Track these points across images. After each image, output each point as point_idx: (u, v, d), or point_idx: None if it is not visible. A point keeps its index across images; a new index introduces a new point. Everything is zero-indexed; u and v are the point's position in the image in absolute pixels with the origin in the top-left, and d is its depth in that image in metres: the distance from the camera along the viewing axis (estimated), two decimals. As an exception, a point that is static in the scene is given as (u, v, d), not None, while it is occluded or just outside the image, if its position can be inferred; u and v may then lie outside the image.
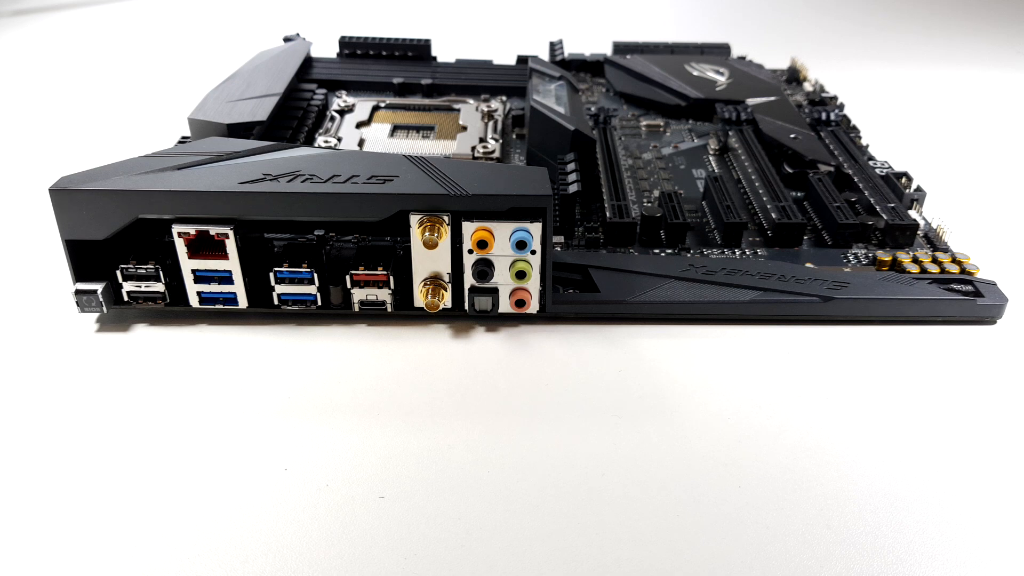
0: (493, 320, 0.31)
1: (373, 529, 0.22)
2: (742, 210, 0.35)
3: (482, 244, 0.28)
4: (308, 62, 0.49)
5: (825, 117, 0.45)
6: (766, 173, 0.39)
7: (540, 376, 0.28)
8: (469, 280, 0.29)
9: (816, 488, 0.24)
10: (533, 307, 0.30)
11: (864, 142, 0.44)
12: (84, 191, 0.27)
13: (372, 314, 0.31)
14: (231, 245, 0.28)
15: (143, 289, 0.29)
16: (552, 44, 0.55)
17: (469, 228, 0.28)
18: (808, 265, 0.33)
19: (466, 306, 0.30)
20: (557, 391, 0.28)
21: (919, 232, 0.36)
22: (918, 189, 0.38)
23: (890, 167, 0.40)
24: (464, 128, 0.42)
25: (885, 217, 0.35)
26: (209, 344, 0.29)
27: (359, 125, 0.42)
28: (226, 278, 0.29)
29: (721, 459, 0.25)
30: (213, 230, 0.28)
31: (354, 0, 0.78)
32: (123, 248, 0.29)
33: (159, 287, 0.29)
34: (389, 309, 0.30)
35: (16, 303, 0.32)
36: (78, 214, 0.28)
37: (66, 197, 0.28)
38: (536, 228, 0.28)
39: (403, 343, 0.30)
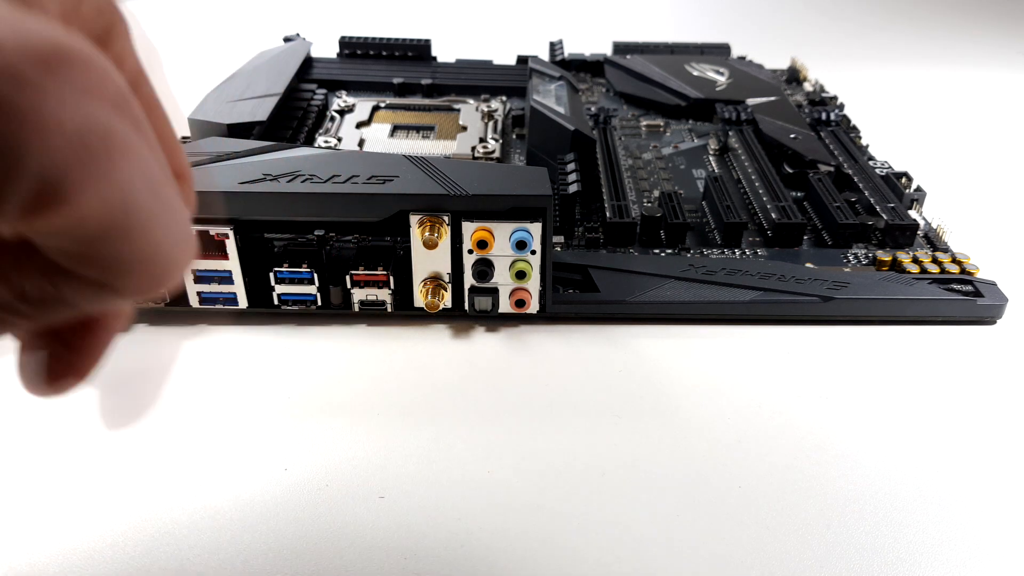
0: (493, 320, 0.31)
1: (373, 529, 0.22)
2: (742, 210, 0.35)
3: (482, 244, 0.28)
4: (308, 62, 0.49)
5: (825, 117, 0.45)
6: (766, 173, 0.39)
7: (540, 376, 0.28)
8: (469, 280, 0.29)
9: (816, 488, 0.24)
10: (533, 307, 0.30)
11: (864, 142, 0.44)
12: (84, 191, 0.27)
13: (372, 314, 0.31)
14: (231, 245, 0.28)
15: (143, 289, 0.29)
16: (552, 44, 0.55)
17: (469, 228, 0.28)
18: (808, 265, 0.33)
19: (466, 306, 0.30)
20: (557, 391, 0.28)
21: (919, 232, 0.36)
22: (918, 189, 0.38)
23: (890, 167, 0.40)
24: (464, 128, 0.42)
25: (885, 217, 0.35)
26: (209, 344, 0.29)
27: (359, 125, 0.42)
28: (226, 278, 0.29)
29: (721, 459, 0.25)
30: (213, 230, 0.28)
31: (354, 0, 0.78)
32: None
33: (159, 287, 0.29)
34: (389, 309, 0.30)
35: (16, 303, 0.31)
36: (78, 214, 0.28)
37: (66, 197, 0.27)
38: (536, 228, 0.28)
39: (403, 343, 0.30)
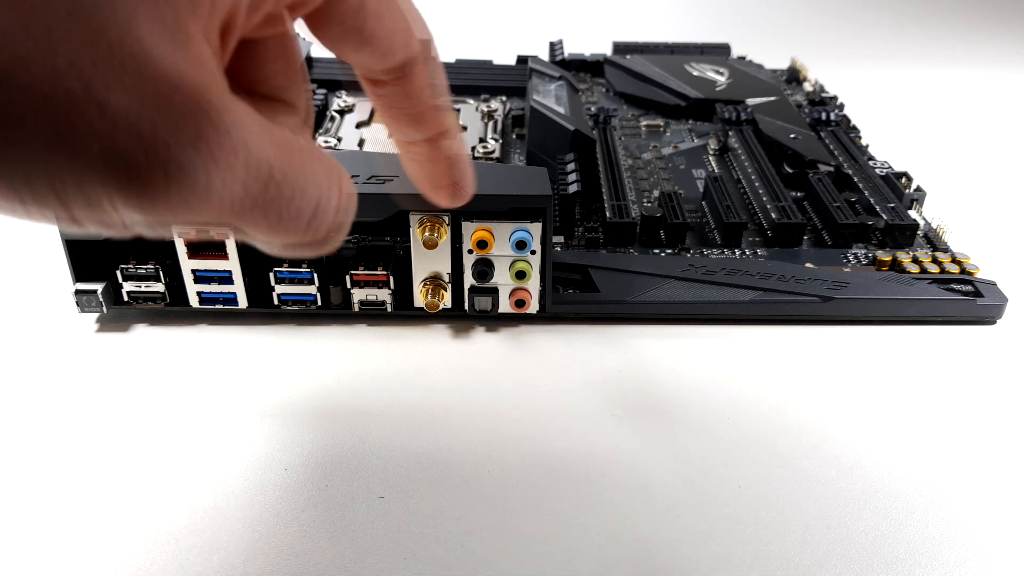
0: (493, 320, 0.31)
1: (373, 529, 0.22)
2: (742, 210, 0.35)
3: (482, 244, 0.28)
4: (308, 62, 0.49)
5: (825, 117, 0.45)
6: (766, 173, 0.39)
7: (540, 376, 0.28)
8: (469, 280, 0.29)
9: (816, 488, 0.24)
10: (533, 307, 0.30)
11: (864, 142, 0.44)
12: (84, 191, 0.27)
13: (372, 314, 0.31)
14: (231, 245, 0.28)
15: (143, 289, 0.29)
16: (552, 44, 0.55)
17: (469, 228, 0.28)
18: (808, 265, 0.33)
19: (466, 306, 0.30)
20: (557, 391, 0.28)
21: (919, 232, 0.36)
22: (918, 189, 0.38)
23: (890, 167, 0.40)
24: (464, 128, 0.42)
25: (885, 217, 0.35)
26: (209, 344, 0.29)
27: (359, 125, 0.42)
28: (226, 278, 0.29)
29: (721, 459, 0.25)
30: (213, 230, 0.28)
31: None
32: (123, 248, 0.29)
33: (159, 287, 0.29)
34: (389, 309, 0.30)
35: (16, 303, 0.32)
36: (78, 214, 0.28)
37: (66, 197, 0.27)
38: (536, 228, 0.28)
39: (403, 343, 0.30)
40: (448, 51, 0.54)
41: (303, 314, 0.31)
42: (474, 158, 0.39)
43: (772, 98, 0.46)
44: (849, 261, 0.34)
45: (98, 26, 0.12)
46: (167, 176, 0.12)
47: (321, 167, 0.15)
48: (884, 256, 0.33)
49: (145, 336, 0.30)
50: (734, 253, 0.34)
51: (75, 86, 0.12)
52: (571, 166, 0.36)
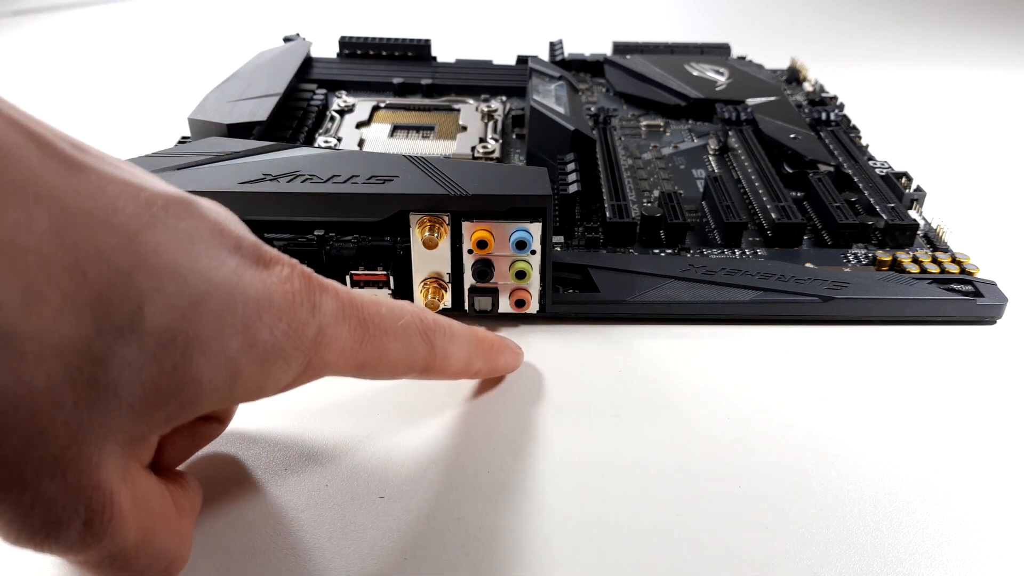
0: (493, 320, 0.31)
1: (373, 529, 0.22)
2: (742, 210, 0.35)
3: (482, 244, 0.28)
4: (308, 62, 0.49)
5: (825, 117, 0.45)
6: (766, 173, 0.39)
7: (540, 376, 0.28)
8: (469, 280, 0.29)
9: (816, 488, 0.24)
10: (533, 307, 0.30)
11: (864, 142, 0.44)
12: (84, 191, 0.27)
13: (372, 314, 0.31)
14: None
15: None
16: (552, 44, 0.55)
17: (469, 228, 0.28)
18: (808, 265, 0.33)
19: (466, 306, 0.30)
20: (557, 391, 0.28)
21: (919, 232, 0.36)
22: (918, 189, 0.38)
23: (890, 167, 0.40)
24: (464, 128, 0.42)
25: (885, 217, 0.35)
26: (209, 344, 0.29)
27: (359, 125, 0.42)
28: (226, 278, 0.29)
29: (721, 459, 0.25)
30: None
31: (354, 0, 0.78)
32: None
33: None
34: (389, 309, 0.30)
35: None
36: (78, 214, 0.28)
37: (66, 197, 0.27)
38: (536, 228, 0.28)
39: (403, 343, 0.30)
40: (448, 51, 0.54)
41: (303, 314, 0.31)
42: (474, 158, 0.39)
43: (772, 98, 0.46)
44: (849, 261, 0.34)
45: (71, 448, 0.15)
46: (44, 544, 0.15)
47: (167, 544, 0.17)
48: (884, 256, 0.33)
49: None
50: (734, 253, 0.34)
51: (25, 476, 0.14)
52: (571, 166, 0.36)
